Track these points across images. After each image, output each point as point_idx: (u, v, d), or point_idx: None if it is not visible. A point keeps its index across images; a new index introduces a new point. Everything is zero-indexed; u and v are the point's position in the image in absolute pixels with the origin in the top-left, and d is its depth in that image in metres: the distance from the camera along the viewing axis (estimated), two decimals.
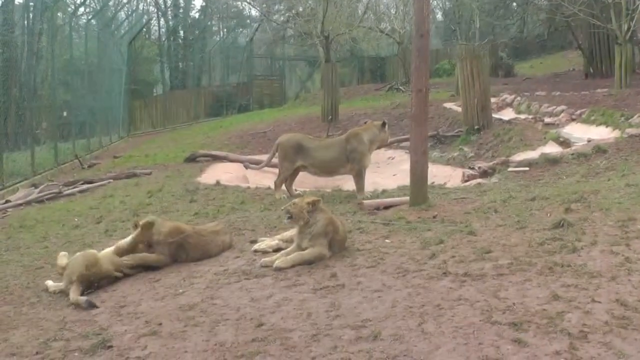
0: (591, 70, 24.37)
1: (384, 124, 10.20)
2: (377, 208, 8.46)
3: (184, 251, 6.44)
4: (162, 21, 41.18)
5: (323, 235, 6.04)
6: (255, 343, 4.11)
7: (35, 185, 13.06)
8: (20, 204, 11.23)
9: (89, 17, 25.72)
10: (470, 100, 15.36)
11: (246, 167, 12.38)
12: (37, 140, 16.33)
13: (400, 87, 28.40)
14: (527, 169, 10.57)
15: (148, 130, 30.40)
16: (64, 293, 5.67)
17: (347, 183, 11.58)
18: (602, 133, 12.70)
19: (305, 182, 11.75)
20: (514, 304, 4.37)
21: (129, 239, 6.36)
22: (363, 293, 4.89)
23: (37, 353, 4.29)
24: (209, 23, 42.81)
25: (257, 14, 41.58)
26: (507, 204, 7.62)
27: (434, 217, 7.43)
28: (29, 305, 5.49)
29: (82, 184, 12.92)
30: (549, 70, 30.18)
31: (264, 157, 12.63)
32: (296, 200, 6.30)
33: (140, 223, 6.39)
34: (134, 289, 5.68)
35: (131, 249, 6.29)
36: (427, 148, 8.66)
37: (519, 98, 19.23)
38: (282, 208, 6.48)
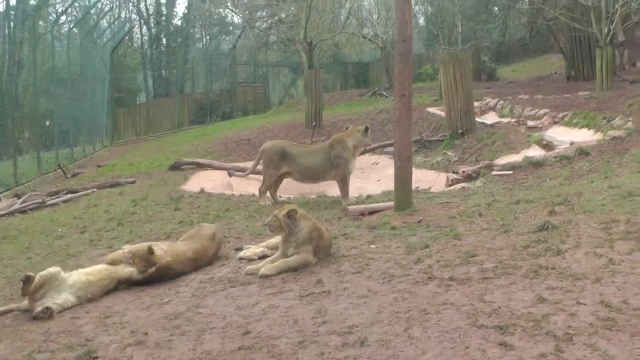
0: (573, 73, 24.58)
1: (366, 129, 10.26)
2: (362, 214, 8.49)
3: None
4: (144, 29, 40.99)
5: (308, 241, 6.04)
6: (241, 351, 4.10)
7: (18, 196, 12.96)
8: (3, 215, 11.13)
9: (71, 26, 25.54)
10: (453, 105, 15.42)
11: (230, 175, 12.34)
12: (19, 150, 16.21)
13: (384, 92, 28.55)
14: (510, 172, 10.62)
15: (132, 138, 30.31)
16: None
17: (331, 189, 11.59)
18: (584, 135, 12.81)
19: (290, 188, 11.75)
20: (499, 307, 4.39)
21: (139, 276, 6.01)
22: (349, 299, 4.89)
23: None
24: (192, 30, 42.73)
25: (239, 20, 41.54)
26: (491, 207, 7.65)
27: (419, 221, 7.45)
28: (13, 317, 5.43)
29: (66, 193, 12.83)
30: (531, 74, 30.42)
31: (249, 165, 12.63)
32: (275, 212, 6.29)
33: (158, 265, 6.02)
34: (119, 298, 5.64)
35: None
36: (412, 153, 8.69)
37: (502, 102, 19.33)
38: (264, 223, 6.49)
